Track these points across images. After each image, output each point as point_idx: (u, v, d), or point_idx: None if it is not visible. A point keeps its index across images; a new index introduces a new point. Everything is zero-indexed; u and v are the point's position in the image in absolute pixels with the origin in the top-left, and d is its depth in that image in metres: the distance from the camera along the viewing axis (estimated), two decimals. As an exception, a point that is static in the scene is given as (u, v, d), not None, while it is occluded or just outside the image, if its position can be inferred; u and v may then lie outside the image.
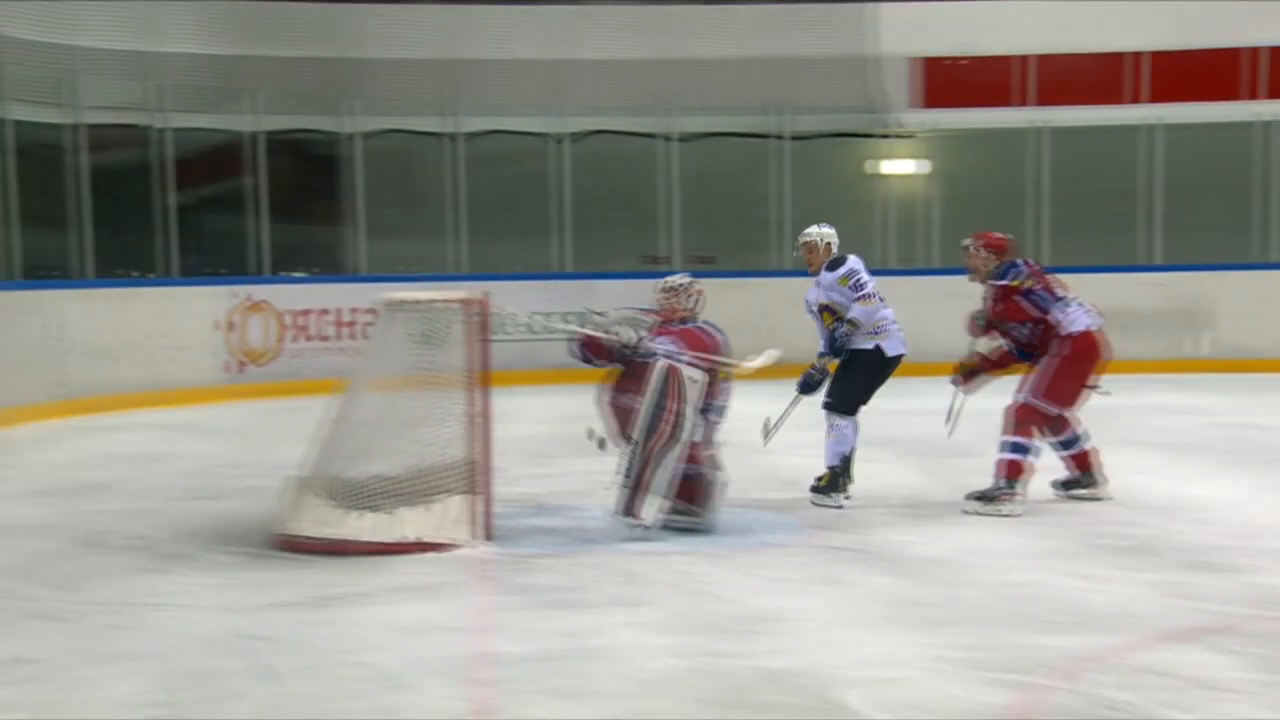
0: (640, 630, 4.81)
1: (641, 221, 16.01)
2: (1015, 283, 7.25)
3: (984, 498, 6.95)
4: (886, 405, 11.94)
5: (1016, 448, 6.98)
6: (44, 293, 11.71)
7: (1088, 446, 7.31)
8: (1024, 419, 7.03)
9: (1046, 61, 15.46)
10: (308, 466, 6.39)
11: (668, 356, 6.51)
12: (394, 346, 6.40)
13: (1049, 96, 15.44)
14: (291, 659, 4.50)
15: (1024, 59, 15.49)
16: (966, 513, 6.91)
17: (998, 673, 4.28)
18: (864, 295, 7.38)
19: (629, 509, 6.39)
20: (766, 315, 14.55)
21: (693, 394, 6.38)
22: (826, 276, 7.54)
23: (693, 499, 6.48)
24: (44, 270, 12.65)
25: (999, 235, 7.48)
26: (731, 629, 4.83)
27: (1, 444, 10.03)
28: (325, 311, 13.65)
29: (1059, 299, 7.21)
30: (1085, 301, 7.31)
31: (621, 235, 16.47)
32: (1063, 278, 7.51)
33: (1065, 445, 7.27)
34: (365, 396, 6.40)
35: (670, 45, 15.18)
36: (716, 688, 4.19)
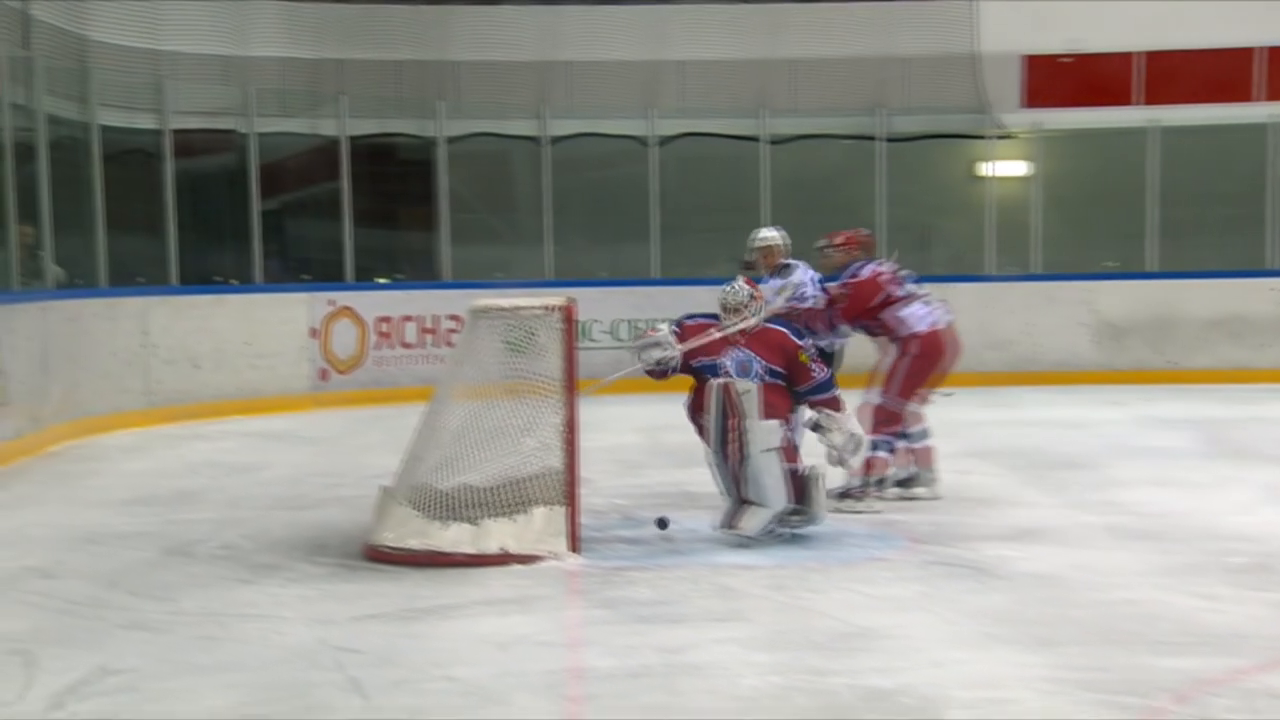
0: (735, 646, 4.79)
1: (735, 226, 15.90)
2: (836, 292, 7.69)
3: (850, 495, 7.33)
4: (991, 415, 11.88)
5: (877, 445, 7.45)
6: (131, 299, 11.92)
7: (930, 443, 7.68)
8: (882, 419, 7.50)
9: (1156, 58, 15.21)
10: (396, 476, 6.46)
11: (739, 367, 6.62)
12: (481, 354, 6.44)
13: (1158, 95, 15.18)
14: (381, 672, 4.54)
15: (1132, 56, 15.25)
16: (840, 510, 7.14)
17: (1109, 694, 4.21)
18: (805, 311, 7.60)
19: (730, 522, 6.46)
20: (862, 322, 14.47)
21: (748, 405, 6.40)
22: (773, 282, 7.78)
23: (795, 497, 6.53)
24: (131, 277, 12.87)
25: (866, 233, 8.01)
26: (829, 645, 4.79)
27: (91, 451, 10.23)
28: (410, 318, 13.78)
29: (900, 299, 7.60)
30: (932, 301, 7.68)
31: (714, 240, 16.42)
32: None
33: (890, 447, 7.57)
34: (452, 405, 6.44)
35: (764, 45, 15.15)
36: (816, 706, 4.16)
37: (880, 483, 7.47)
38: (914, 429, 7.66)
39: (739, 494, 6.48)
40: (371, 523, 6.38)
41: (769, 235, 8.08)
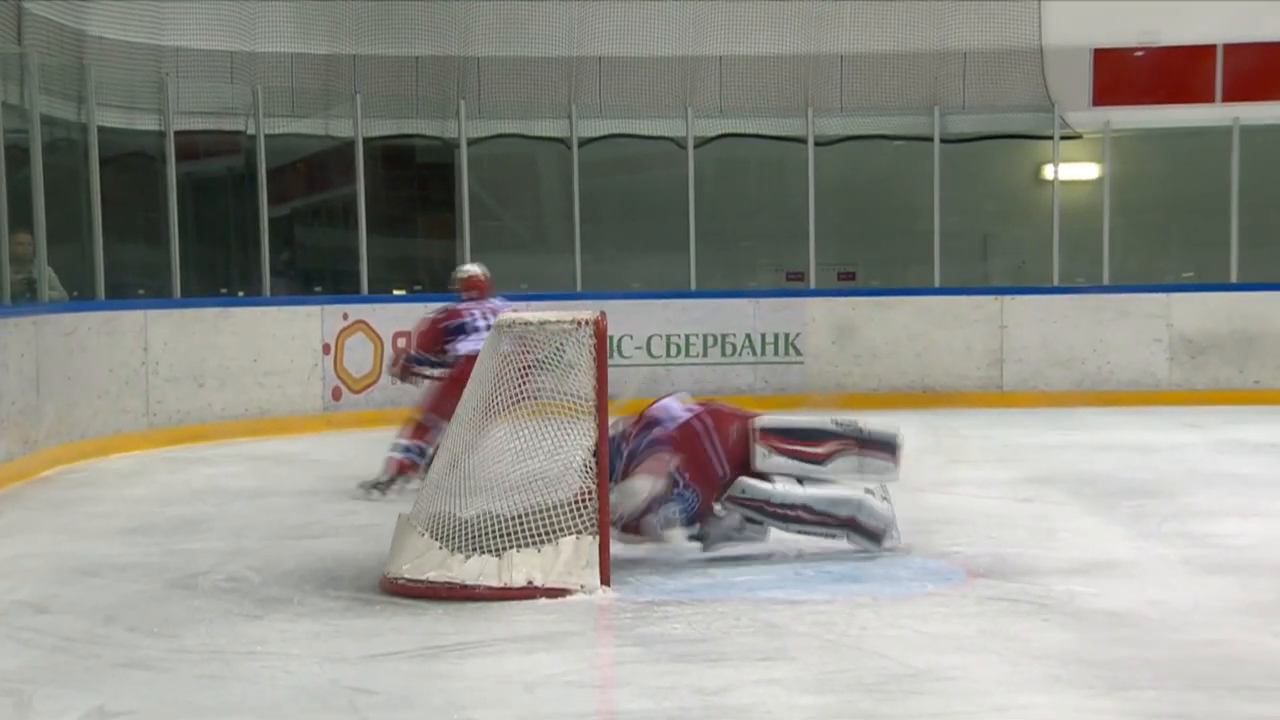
0: (779, 687, 4.78)
1: (778, 234, 15.97)
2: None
3: (376, 486, 9.12)
4: (1057, 439, 11.82)
5: (408, 450, 9.21)
6: (130, 313, 11.98)
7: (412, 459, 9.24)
8: (415, 429, 9.28)
9: (1238, 52, 15.12)
10: (415, 503, 6.48)
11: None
12: (504, 372, 6.45)
13: (1241, 92, 15.09)
14: (398, 715, 4.55)
15: (1212, 49, 15.17)
16: (354, 498, 8.95)
17: (1187, 743, 4.19)
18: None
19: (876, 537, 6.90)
20: (917, 338, 14.46)
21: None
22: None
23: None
24: (131, 289, 12.95)
25: (470, 273, 9.97)
26: (881, 687, 4.78)
27: (87, 476, 10.29)
28: (430, 333, 13.79)
29: (459, 337, 9.44)
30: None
31: (755, 249, 16.44)
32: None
33: (420, 453, 9.19)
34: (473, 427, 6.45)
35: (810, 39, 15.15)
36: (866, 754, 4.16)
37: (391, 482, 9.14)
38: (425, 441, 9.23)
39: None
40: (388, 553, 6.39)
41: (470, 269, 10.09)
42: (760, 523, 6.83)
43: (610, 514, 6.33)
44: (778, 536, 6.90)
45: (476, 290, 9.82)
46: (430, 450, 9.09)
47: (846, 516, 6.80)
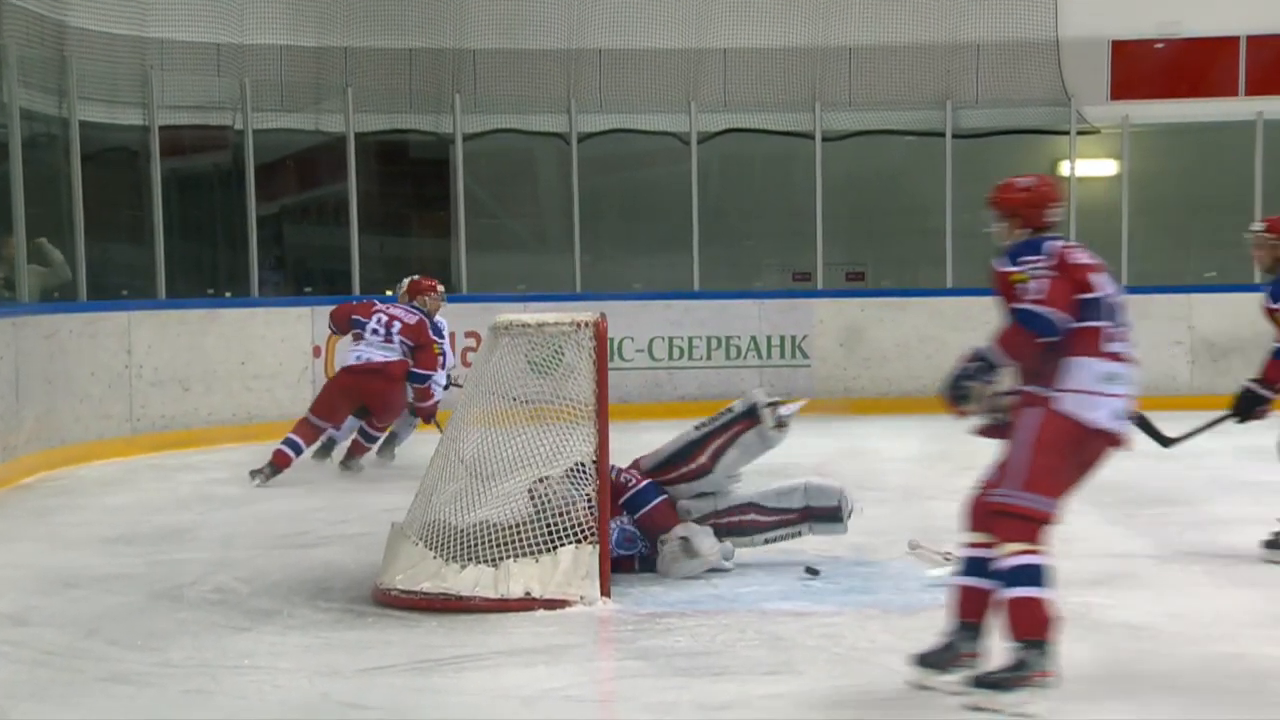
0: (785, 702, 4.79)
1: (784, 232, 15.97)
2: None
3: (260, 473, 9.91)
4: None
5: (289, 443, 10.09)
6: (113, 314, 11.98)
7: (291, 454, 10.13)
8: (303, 427, 10.22)
9: (1262, 43, 15.13)
10: (408, 512, 6.48)
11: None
12: (501, 375, 6.46)
13: (1265, 85, 15.09)
14: (390, 730, 4.56)
15: (1231, 41, 15.18)
16: (256, 486, 9.80)
17: (1209, 760, 4.19)
18: None
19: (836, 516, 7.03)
20: (928, 340, 14.46)
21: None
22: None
23: None
24: (114, 289, 12.95)
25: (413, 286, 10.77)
26: (891, 702, 4.78)
27: (69, 484, 10.29)
28: (423, 335, 13.80)
29: (356, 338, 10.40)
30: (379, 343, 10.31)
31: (761, 248, 16.44)
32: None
33: (296, 449, 10.12)
34: (469, 432, 6.47)
35: (818, 31, 15.14)
36: (876, 772, 4.16)
37: (261, 471, 9.89)
38: (311, 442, 10.29)
39: None
40: (381, 563, 6.40)
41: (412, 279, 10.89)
42: (721, 539, 6.81)
43: (665, 565, 6.59)
44: (774, 546, 6.92)
45: (413, 296, 10.69)
46: (306, 448, 10.23)
47: (800, 508, 6.90)
